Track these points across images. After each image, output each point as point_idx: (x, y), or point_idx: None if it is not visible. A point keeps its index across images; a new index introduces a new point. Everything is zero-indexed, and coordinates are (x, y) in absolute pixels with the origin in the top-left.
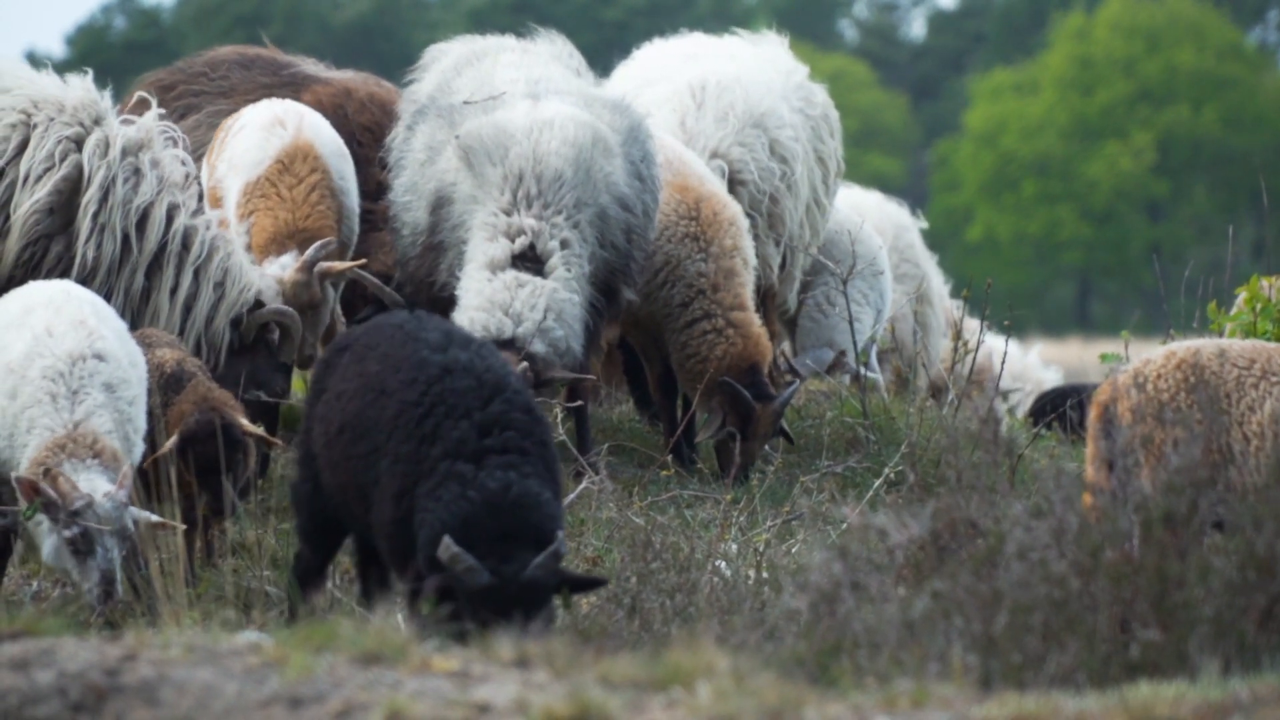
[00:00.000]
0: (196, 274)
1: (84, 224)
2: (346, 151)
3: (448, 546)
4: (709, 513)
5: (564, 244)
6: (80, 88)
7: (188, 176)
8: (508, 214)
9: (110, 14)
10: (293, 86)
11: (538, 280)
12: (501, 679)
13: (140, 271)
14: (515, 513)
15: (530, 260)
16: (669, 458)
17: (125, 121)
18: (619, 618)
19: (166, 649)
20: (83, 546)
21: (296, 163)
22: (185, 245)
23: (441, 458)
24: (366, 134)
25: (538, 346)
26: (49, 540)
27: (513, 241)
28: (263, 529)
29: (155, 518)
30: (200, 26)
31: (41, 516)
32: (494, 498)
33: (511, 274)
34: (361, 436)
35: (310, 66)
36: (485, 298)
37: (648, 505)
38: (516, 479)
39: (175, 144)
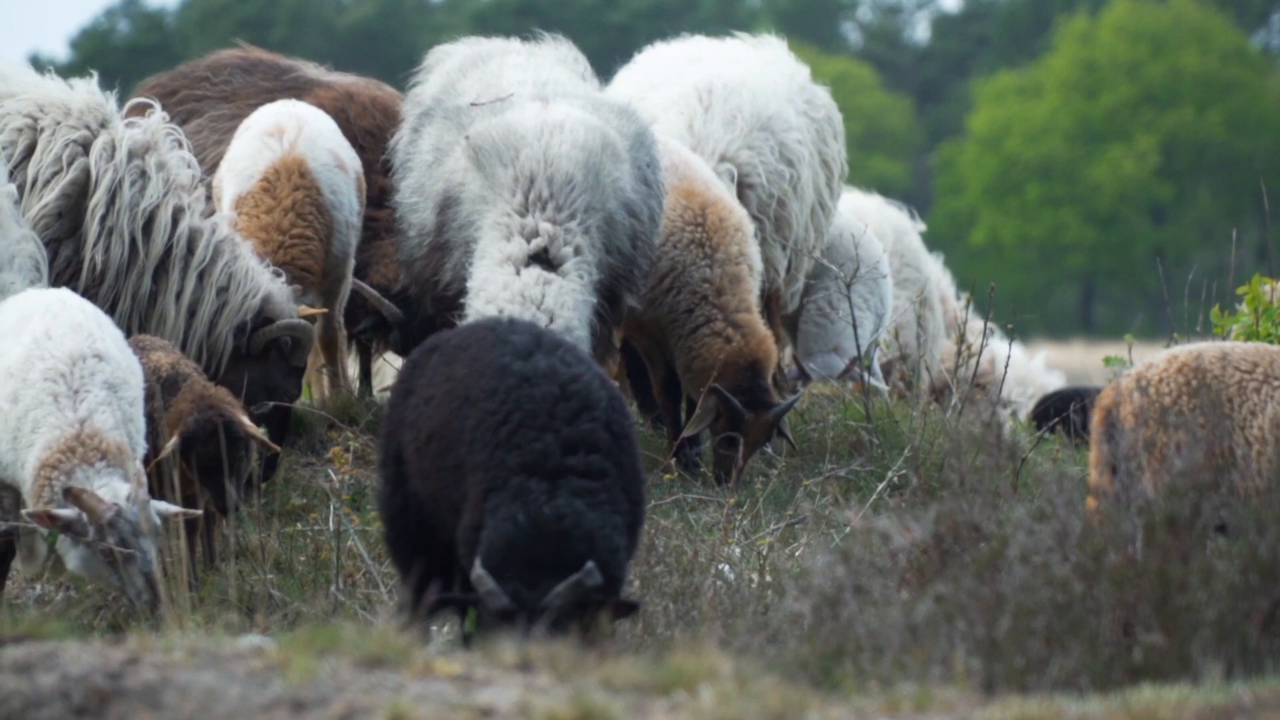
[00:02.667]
0: (200, 278)
1: (92, 228)
2: (346, 159)
3: (476, 567)
4: (712, 516)
5: (577, 250)
6: (85, 91)
7: (194, 179)
8: (521, 215)
9: (114, 17)
10: (294, 90)
11: (561, 279)
12: (504, 682)
13: (147, 275)
14: (560, 542)
15: (543, 263)
16: (672, 461)
17: (130, 124)
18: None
19: (169, 652)
20: (120, 555)
21: (280, 182)
22: (190, 249)
23: (517, 469)
24: (369, 138)
25: None
26: (75, 552)
27: (528, 242)
28: (266, 532)
29: (175, 508)
30: (204, 30)
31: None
32: (545, 524)
33: (537, 270)
34: (449, 449)
35: (312, 70)
36: (515, 292)
37: (651, 509)
38: (583, 509)
39: (180, 145)
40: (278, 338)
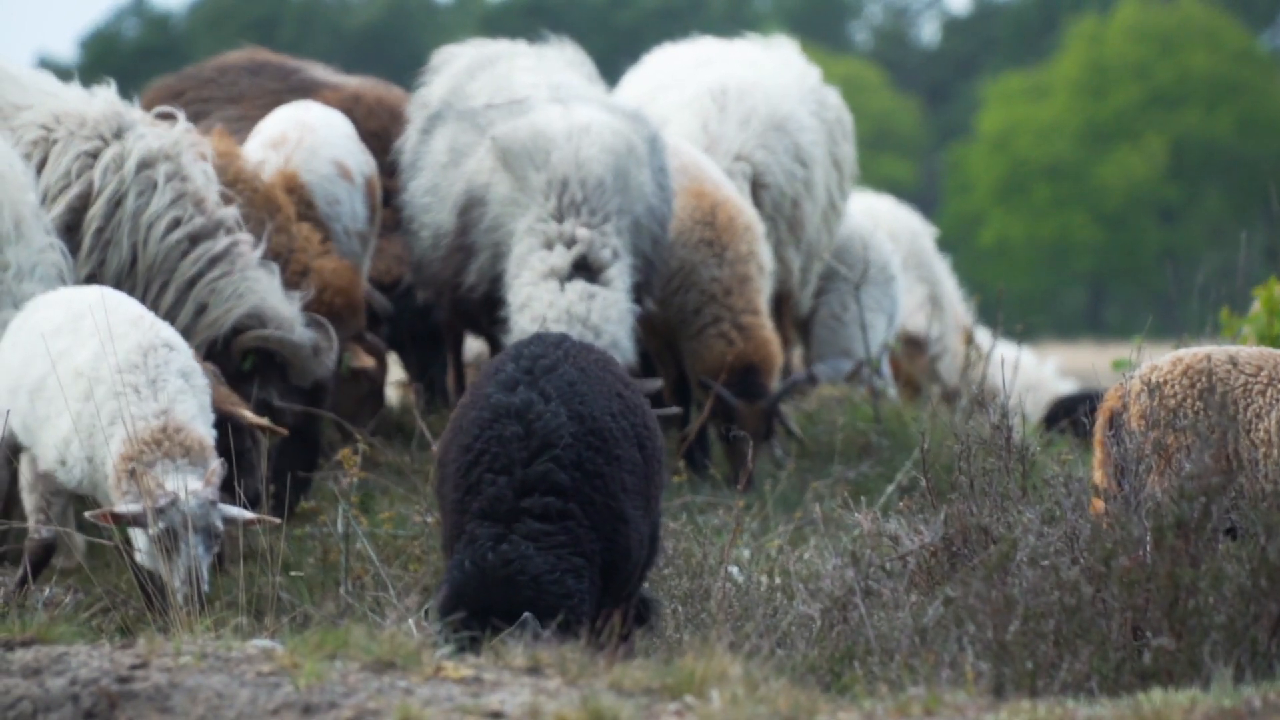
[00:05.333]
0: (184, 291)
1: (86, 240)
2: (352, 167)
3: (431, 618)
4: (721, 518)
5: (615, 253)
6: (103, 100)
7: (218, 190)
8: (557, 220)
9: (122, 19)
10: (301, 92)
11: (605, 291)
12: (514, 686)
13: (138, 288)
14: (506, 588)
15: (585, 272)
16: (681, 463)
17: (143, 135)
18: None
19: (178, 656)
20: (169, 544)
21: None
22: (180, 258)
23: (475, 515)
24: (374, 139)
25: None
26: (141, 539)
27: (568, 249)
28: (274, 535)
29: (249, 514)
30: (212, 31)
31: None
32: (490, 570)
33: (581, 284)
34: (443, 479)
35: (319, 72)
36: (562, 309)
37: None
38: (530, 553)
39: (204, 157)
40: (257, 350)
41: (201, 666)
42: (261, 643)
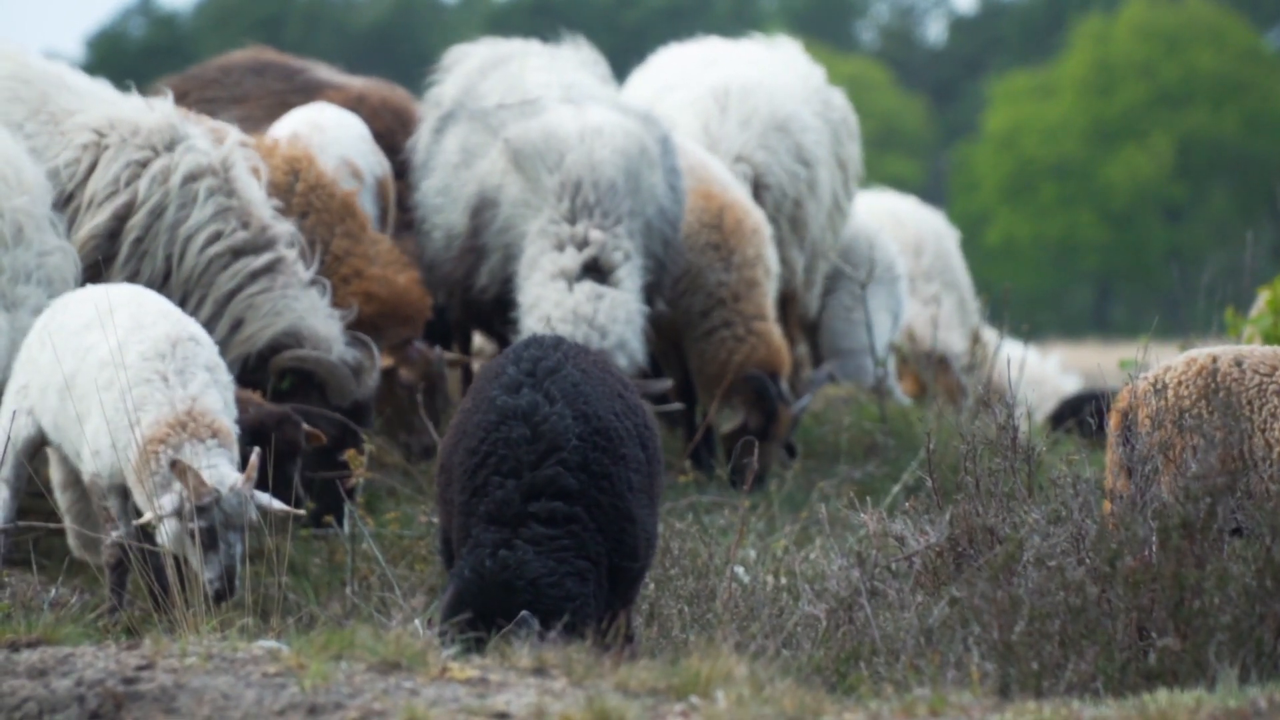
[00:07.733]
0: (221, 305)
1: (123, 250)
2: (363, 167)
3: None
4: (727, 519)
5: (626, 255)
6: (161, 112)
7: (272, 205)
8: (570, 222)
9: (128, 18)
10: (305, 92)
11: (613, 292)
12: (519, 687)
13: (175, 300)
14: (503, 593)
15: (594, 271)
16: (687, 463)
17: (192, 149)
18: (636, 624)
19: (184, 657)
20: (207, 540)
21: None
22: (220, 271)
23: (482, 518)
24: (379, 140)
25: (620, 360)
26: (169, 524)
27: (579, 251)
28: (281, 535)
29: (282, 506)
30: (218, 30)
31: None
32: (488, 576)
33: (589, 285)
34: (448, 483)
35: (323, 72)
36: (568, 309)
37: (666, 511)
38: (529, 558)
39: (258, 173)
40: (295, 369)
41: (207, 667)
42: (267, 643)
